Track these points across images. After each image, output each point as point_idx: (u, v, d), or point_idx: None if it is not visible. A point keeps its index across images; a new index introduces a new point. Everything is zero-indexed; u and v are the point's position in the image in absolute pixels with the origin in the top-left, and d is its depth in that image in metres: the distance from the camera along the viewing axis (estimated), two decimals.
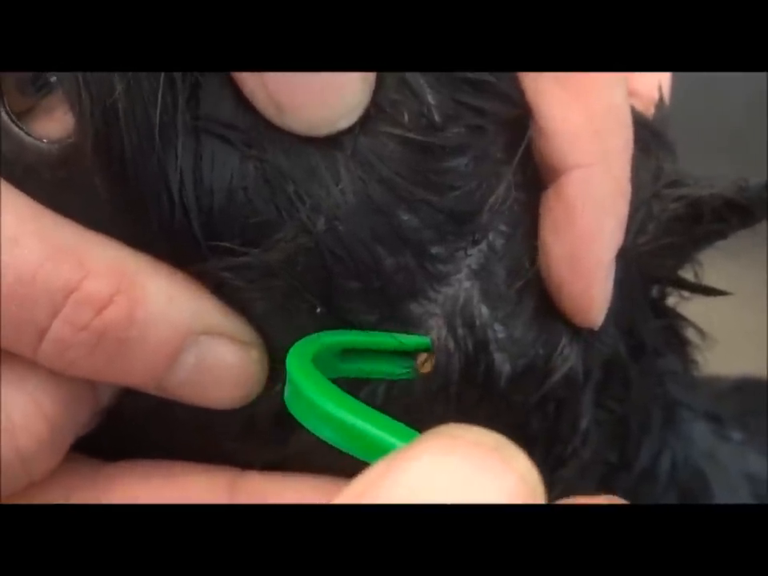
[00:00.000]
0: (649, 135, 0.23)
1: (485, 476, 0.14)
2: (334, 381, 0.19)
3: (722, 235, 0.22)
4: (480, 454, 0.14)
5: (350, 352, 0.20)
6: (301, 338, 0.19)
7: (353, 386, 0.20)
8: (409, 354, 0.20)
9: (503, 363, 0.20)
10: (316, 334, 0.20)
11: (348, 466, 0.21)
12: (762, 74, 0.47)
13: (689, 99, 0.29)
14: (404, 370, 0.20)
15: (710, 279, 0.24)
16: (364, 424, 0.17)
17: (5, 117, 0.19)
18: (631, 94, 0.25)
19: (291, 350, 0.19)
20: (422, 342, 0.20)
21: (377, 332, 0.20)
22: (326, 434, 0.17)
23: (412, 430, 0.16)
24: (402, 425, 0.17)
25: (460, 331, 0.20)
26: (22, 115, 0.19)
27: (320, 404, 0.17)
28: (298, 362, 0.18)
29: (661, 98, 0.25)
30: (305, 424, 0.18)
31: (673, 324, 0.25)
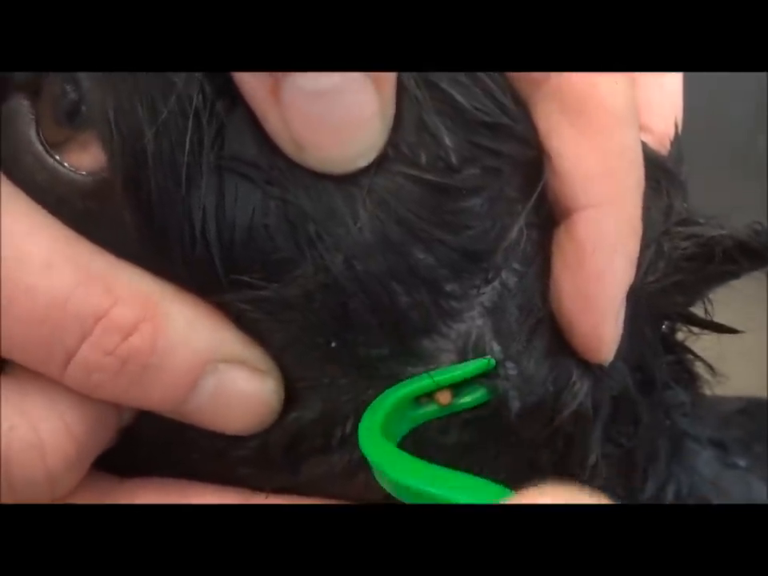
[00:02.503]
0: (660, 172, 0.23)
1: None
2: (417, 429, 0.19)
3: (735, 275, 0.23)
4: None
5: (421, 398, 0.20)
6: (367, 407, 0.20)
7: None
8: (477, 379, 0.21)
9: (513, 400, 0.21)
10: (382, 395, 0.20)
11: (356, 494, 0.22)
12: (762, 74, 0.48)
13: (693, 119, 0.29)
14: (477, 396, 0.21)
15: (715, 309, 0.25)
16: (440, 489, 0.17)
17: (40, 147, 0.20)
18: (643, 129, 0.25)
19: (360, 426, 0.19)
20: (484, 363, 0.20)
21: (439, 370, 0.20)
22: (411, 500, 0.18)
23: (500, 487, 0.17)
24: (488, 482, 0.17)
25: None
26: (57, 146, 0.20)
27: (394, 477, 0.18)
28: (368, 436, 0.19)
29: (676, 136, 0.25)
30: (393, 495, 0.18)
31: (682, 359, 0.25)
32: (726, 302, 0.25)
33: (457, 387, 0.20)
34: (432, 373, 0.20)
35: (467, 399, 0.21)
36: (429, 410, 0.20)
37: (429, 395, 0.20)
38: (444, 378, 0.20)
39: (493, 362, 0.20)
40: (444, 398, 0.20)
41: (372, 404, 0.20)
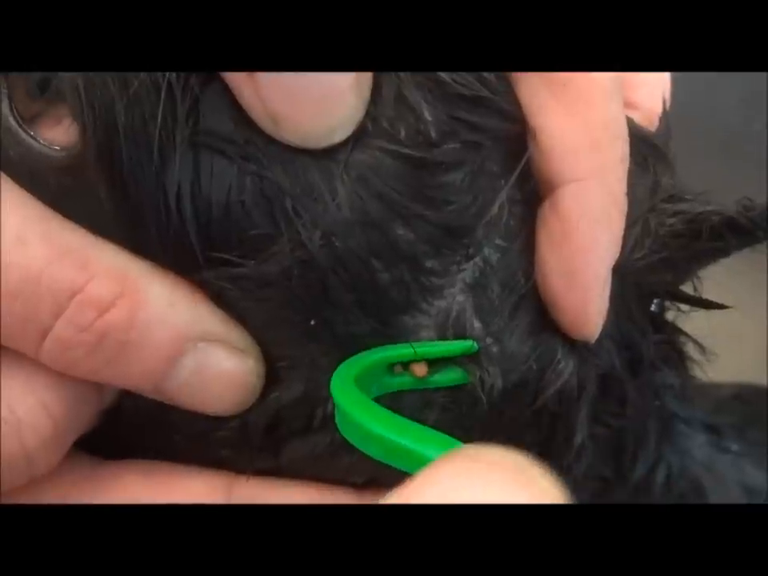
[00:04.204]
0: (647, 149, 0.23)
1: (503, 501, 0.13)
2: (386, 396, 0.19)
3: (725, 253, 0.22)
4: (499, 477, 0.13)
5: (396, 366, 0.20)
6: (345, 359, 0.20)
7: None
8: (455, 360, 0.20)
9: (495, 377, 0.20)
10: (359, 354, 0.20)
11: (338, 477, 0.22)
12: (762, 74, 0.47)
13: (687, 100, 0.28)
14: (453, 376, 0.20)
15: (706, 289, 0.24)
16: (408, 441, 0.16)
17: (13, 122, 0.20)
18: (631, 106, 0.25)
19: (334, 374, 0.19)
20: (466, 346, 0.20)
21: (421, 342, 0.20)
22: (375, 453, 0.17)
23: (457, 442, 0.16)
24: (449, 438, 0.16)
25: None
26: (30, 121, 0.20)
27: (364, 424, 0.17)
28: (341, 385, 0.19)
29: (665, 112, 0.25)
30: (357, 446, 0.18)
31: (671, 339, 0.25)
32: (717, 280, 0.25)
33: (434, 364, 0.20)
34: (414, 344, 0.20)
35: (443, 377, 0.20)
36: (402, 379, 0.20)
37: (405, 366, 0.20)
38: (424, 351, 0.20)
39: (475, 346, 0.20)
40: (420, 370, 0.20)
41: (348, 360, 0.19)
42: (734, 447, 0.33)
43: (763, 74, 0.49)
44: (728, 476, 0.31)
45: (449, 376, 0.20)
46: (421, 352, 0.20)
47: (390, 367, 0.20)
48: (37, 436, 0.20)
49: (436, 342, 0.20)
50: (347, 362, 0.19)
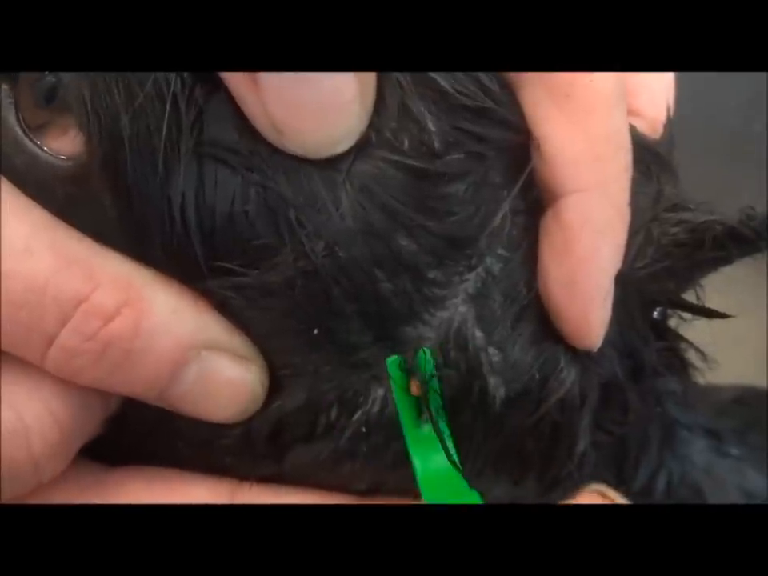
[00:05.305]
0: (650, 158, 0.23)
1: None
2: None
3: (727, 262, 0.22)
4: None
5: (419, 421, 0.20)
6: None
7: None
8: (421, 363, 0.20)
9: (498, 387, 0.21)
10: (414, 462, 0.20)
11: (341, 484, 0.22)
12: (763, 75, 0.47)
13: (687, 101, 0.28)
14: (431, 363, 0.20)
15: (708, 294, 0.24)
16: None
17: (19, 131, 0.20)
18: (634, 113, 0.25)
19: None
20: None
21: (396, 393, 0.20)
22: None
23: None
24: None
25: (452, 354, 0.20)
26: (37, 130, 0.20)
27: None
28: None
29: (668, 120, 0.25)
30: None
31: (673, 346, 0.25)
32: (718, 288, 0.25)
33: (413, 376, 0.20)
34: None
35: (428, 367, 0.20)
36: (431, 419, 0.20)
37: (415, 412, 0.20)
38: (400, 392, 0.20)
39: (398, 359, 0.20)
40: (415, 389, 0.20)
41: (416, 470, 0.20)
42: (735, 451, 0.33)
43: (763, 75, 0.49)
44: (728, 480, 0.31)
45: (428, 363, 0.20)
46: (400, 388, 0.20)
47: (417, 426, 0.20)
48: (44, 442, 0.20)
49: (389, 372, 0.20)
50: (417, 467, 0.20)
